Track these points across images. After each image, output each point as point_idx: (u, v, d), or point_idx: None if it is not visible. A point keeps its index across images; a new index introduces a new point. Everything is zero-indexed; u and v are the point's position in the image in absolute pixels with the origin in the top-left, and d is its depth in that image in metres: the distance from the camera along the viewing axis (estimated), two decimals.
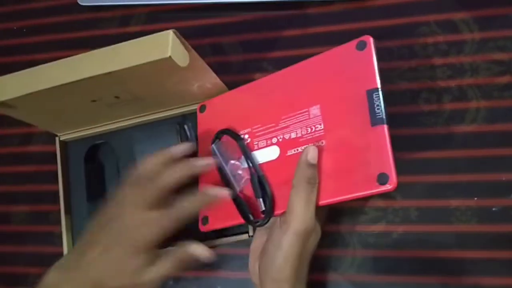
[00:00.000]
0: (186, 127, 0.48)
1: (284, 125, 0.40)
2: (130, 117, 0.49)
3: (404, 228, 0.45)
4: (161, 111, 0.49)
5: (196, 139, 0.47)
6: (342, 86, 0.38)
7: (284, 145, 0.39)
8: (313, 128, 0.38)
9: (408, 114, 0.47)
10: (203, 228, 0.42)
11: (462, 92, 0.46)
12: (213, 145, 0.43)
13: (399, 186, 0.45)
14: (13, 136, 0.57)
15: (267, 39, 0.52)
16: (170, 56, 0.35)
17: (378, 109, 0.35)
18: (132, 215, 0.38)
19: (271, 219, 0.39)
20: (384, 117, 0.34)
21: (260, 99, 0.42)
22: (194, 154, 0.44)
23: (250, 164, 0.41)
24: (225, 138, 0.43)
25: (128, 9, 0.57)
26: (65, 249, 0.49)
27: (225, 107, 0.45)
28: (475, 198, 0.44)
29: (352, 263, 0.46)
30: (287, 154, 0.39)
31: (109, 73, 0.37)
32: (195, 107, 0.48)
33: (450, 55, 0.47)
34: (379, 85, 0.36)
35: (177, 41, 0.36)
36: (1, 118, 0.51)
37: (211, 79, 0.45)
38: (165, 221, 0.37)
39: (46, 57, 0.58)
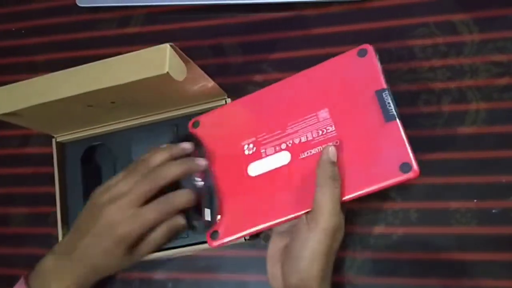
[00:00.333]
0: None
1: (291, 131, 0.41)
2: (127, 119, 0.49)
3: (404, 230, 0.45)
4: (158, 113, 0.49)
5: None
6: (349, 90, 0.40)
7: (295, 150, 0.40)
8: (324, 130, 0.39)
9: (408, 116, 0.47)
10: (213, 243, 0.41)
11: (462, 93, 0.46)
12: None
13: (399, 188, 0.46)
14: (11, 138, 0.57)
15: (266, 41, 0.52)
16: (167, 72, 0.35)
17: (389, 106, 0.37)
18: (123, 210, 0.39)
19: (292, 222, 0.39)
20: (395, 113, 0.37)
21: (262, 109, 0.43)
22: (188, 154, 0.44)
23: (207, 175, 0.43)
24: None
25: (127, 10, 0.57)
26: None
27: (220, 121, 0.45)
28: (475, 200, 0.44)
29: (351, 265, 0.45)
30: (300, 158, 0.40)
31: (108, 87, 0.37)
32: (192, 109, 0.48)
33: (450, 57, 0.47)
34: (386, 86, 0.38)
35: (174, 55, 0.36)
36: None
37: (208, 84, 0.44)
38: (153, 216, 0.40)
39: (45, 58, 0.58)
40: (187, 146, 0.44)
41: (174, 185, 0.42)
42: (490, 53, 0.46)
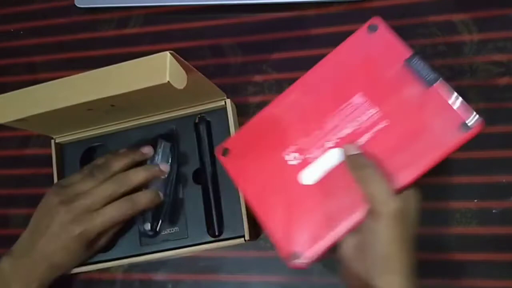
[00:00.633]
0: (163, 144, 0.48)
1: (331, 127, 0.39)
2: (126, 120, 0.49)
3: None
4: (157, 114, 0.49)
5: (177, 156, 0.48)
6: (375, 68, 0.38)
7: (343, 144, 0.38)
8: (366, 114, 0.38)
9: None
10: (296, 265, 0.37)
11: (461, 93, 0.46)
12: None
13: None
14: (10, 139, 0.57)
15: (266, 41, 0.52)
16: (168, 81, 0.35)
17: (426, 70, 0.36)
18: (82, 209, 0.41)
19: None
20: (434, 74, 0.36)
21: (290, 115, 0.40)
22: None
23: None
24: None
25: (126, 11, 0.56)
26: None
27: (250, 140, 0.41)
28: (475, 200, 0.44)
29: None
30: None
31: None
32: (191, 109, 0.48)
33: (449, 57, 0.47)
34: (412, 51, 0.37)
35: (175, 63, 0.36)
36: None
37: (208, 87, 0.44)
38: (115, 214, 0.42)
39: (44, 59, 0.58)
40: (147, 151, 0.46)
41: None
42: (490, 53, 0.46)
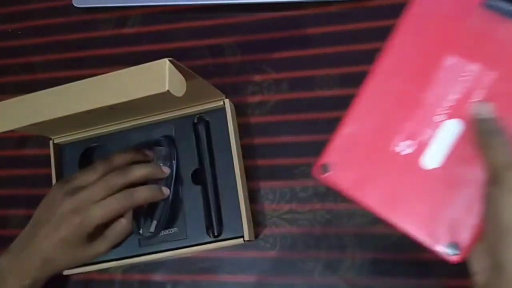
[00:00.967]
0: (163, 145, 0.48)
1: (433, 100, 0.35)
2: (124, 121, 0.49)
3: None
4: (156, 115, 0.49)
5: (176, 158, 0.48)
6: (452, 24, 0.35)
7: (456, 112, 0.34)
8: (467, 73, 0.34)
9: None
10: (456, 259, 0.33)
11: None
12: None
13: None
14: (8, 140, 0.57)
15: (265, 41, 0.52)
16: (167, 90, 0.34)
17: (505, 5, 0.33)
18: (83, 201, 0.42)
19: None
20: None
21: (382, 106, 0.37)
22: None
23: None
24: None
25: (124, 11, 0.56)
26: None
27: (347, 147, 0.37)
28: None
29: (351, 266, 0.45)
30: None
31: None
32: (190, 110, 0.48)
33: None
34: None
35: (174, 70, 0.35)
36: None
37: (208, 88, 0.44)
38: (113, 207, 0.42)
39: (42, 59, 0.58)
40: (148, 153, 0.48)
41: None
42: None
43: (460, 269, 0.43)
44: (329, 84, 0.49)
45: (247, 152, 0.49)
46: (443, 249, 0.33)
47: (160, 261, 0.49)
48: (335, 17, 0.50)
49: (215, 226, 0.46)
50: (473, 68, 0.34)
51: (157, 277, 0.49)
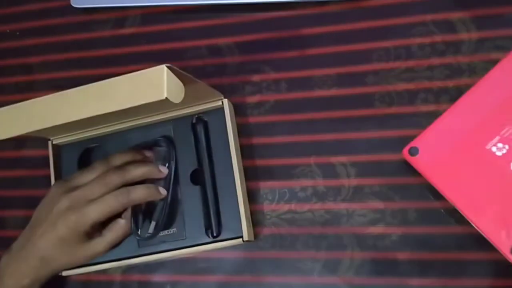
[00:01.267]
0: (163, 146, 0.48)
1: None
2: (123, 121, 0.49)
3: (403, 230, 0.45)
4: (154, 115, 0.48)
5: (175, 158, 0.47)
6: None
7: None
8: None
9: (406, 115, 0.47)
10: None
11: (460, 92, 0.46)
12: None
13: (397, 188, 0.45)
14: (6, 141, 0.56)
15: (263, 41, 0.52)
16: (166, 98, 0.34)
17: None
18: (80, 199, 0.42)
19: None
20: None
21: (484, 108, 0.40)
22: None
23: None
24: None
25: (122, 11, 0.56)
26: None
27: (442, 139, 0.41)
28: None
29: (350, 266, 0.45)
30: None
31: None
32: (188, 110, 0.48)
33: (448, 55, 0.47)
34: None
35: (172, 77, 0.34)
36: None
37: (206, 90, 0.44)
38: (111, 204, 0.42)
39: (40, 59, 0.58)
40: (147, 153, 0.48)
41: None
42: (488, 51, 0.46)
43: (460, 268, 0.43)
44: (327, 84, 0.49)
45: (246, 152, 0.49)
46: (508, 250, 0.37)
47: (160, 262, 0.49)
48: (333, 17, 0.50)
49: (214, 227, 0.46)
50: None
51: (157, 277, 0.49)
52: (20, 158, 0.56)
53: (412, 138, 0.45)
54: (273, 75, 0.51)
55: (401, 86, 0.47)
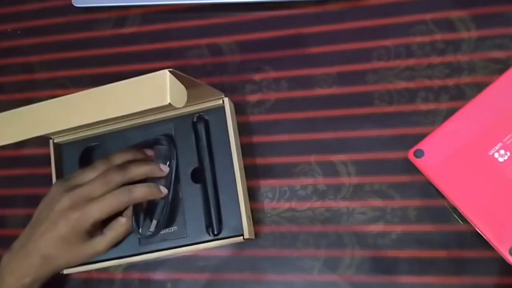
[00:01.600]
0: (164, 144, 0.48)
1: None
2: (124, 120, 0.49)
3: (403, 228, 0.45)
4: (155, 114, 0.49)
5: (176, 157, 0.48)
6: None
7: None
8: None
9: (406, 113, 0.47)
10: None
11: (460, 90, 0.46)
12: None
13: (397, 186, 0.46)
14: None
15: (263, 40, 0.52)
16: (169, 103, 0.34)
17: None
18: (81, 197, 0.42)
19: None
20: None
21: (488, 114, 0.41)
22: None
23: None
24: None
25: (123, 10, 0.56)
26: None
27: (447, 142, 0.42)
28: None
29: (350, 264, 0.45)
30: None
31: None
32: (189, 109, 0.48)
33: (448, 54, 0.47)
34: None
35: (175, 81, 0.34)
36: None
37: (207, 89, 0.44)
38: (111, 202, 0.42)
39: (41, 58, 0.58)
40: (148, 152, 0.48)
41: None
42: (488, 49, 0.46)
43: (460, 266, 0.43)
44: (327, 83, 0.49)
45: (246, 150, 0.49)
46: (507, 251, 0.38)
47: (160, 260, 0.49)
48: (333, 16, 0.51)
49: (214, 225, 0.46)
50: None
51: (157, 275, 0.49)
52: (21, 157, 0.56)
53: (412, 136, 0.45)
54: (274, 74, 0.51)
55: (401, 84, 0.47)
